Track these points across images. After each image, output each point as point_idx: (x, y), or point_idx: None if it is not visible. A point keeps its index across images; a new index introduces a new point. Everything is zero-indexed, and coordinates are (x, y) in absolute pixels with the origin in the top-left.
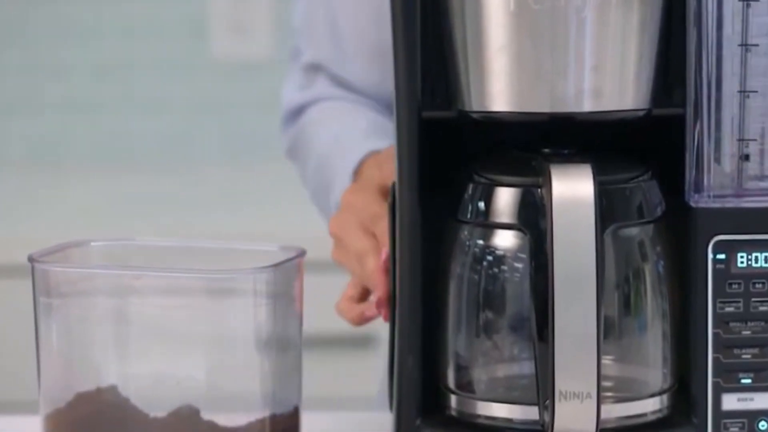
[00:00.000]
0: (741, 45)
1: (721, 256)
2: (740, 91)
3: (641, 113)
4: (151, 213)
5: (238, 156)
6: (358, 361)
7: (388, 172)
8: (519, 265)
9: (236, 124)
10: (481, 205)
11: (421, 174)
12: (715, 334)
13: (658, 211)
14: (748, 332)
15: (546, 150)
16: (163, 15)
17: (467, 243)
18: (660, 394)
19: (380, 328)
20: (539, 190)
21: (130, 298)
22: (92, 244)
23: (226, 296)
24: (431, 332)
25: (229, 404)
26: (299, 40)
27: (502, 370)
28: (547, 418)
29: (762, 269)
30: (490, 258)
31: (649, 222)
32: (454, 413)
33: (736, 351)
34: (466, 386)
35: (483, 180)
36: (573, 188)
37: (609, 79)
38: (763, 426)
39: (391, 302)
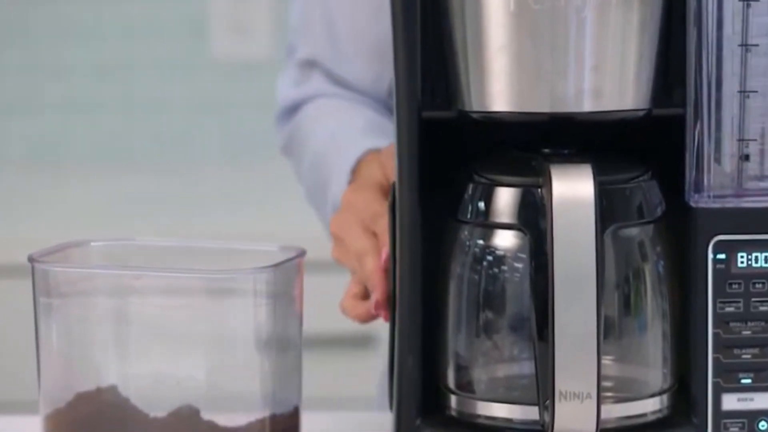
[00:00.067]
0: (741, 45)
1: (721, 256)
2: (740, 91)
3: (641, 113)
4: (151, 213)
5: (238, 156)
6: (358, 361)
7: (392, 170)
8: (519, 265)
9: (236, 124)
10: (481, 205)
11: (421, 174)
12: (715, 334)
13: (658, 211)
14: (748, 332)
15: (546, 150)
16: (163, 15)
17: (467, 243)
18: (660, 394)
19: (380, 328)
20: (539, 190)
21: (130, 298)
22: (92, 244)
23: (226, 296)
24: (431, 332)
25: (229, 404)
26: (295, 38)
27: (502, 370)
28: (547, 418)
29: (762, 269)
30: (490, 258)
31: (649, 222)
32: (454, 413)
33: (736, 351)
34: (466, 386)
35: (483, 180)
36: (573, 188)
37: (609, 79)
38: (763, 426)
39: (391, 302)
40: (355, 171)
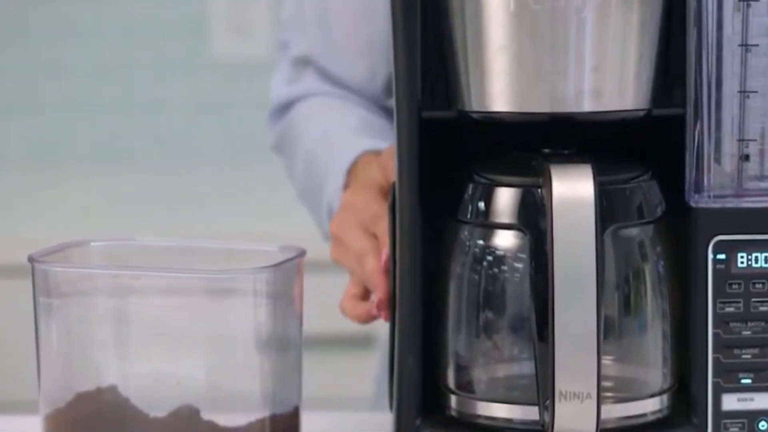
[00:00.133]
0: (741, 45)
1: (722, 256)
2: (740, 91)
3: (641, 113)
4: (151, 213)
5: (238, 156)
6: (358, 361)
7: (392, 171)
8: (519, 265)
9: (236, 124)
10: (481, 205)
11: (421, 174)
12: (715, 334)
13: (658, 211)
14: (748, 332)
15: (546, 150)
16: (163, 15)
17: (467, 243)
18: (660, 394)
19: (380, 328)
20: (539, 190)
21: (130, 298)
22: (92, 244)
23: (226, 296)
24: (431, 332)
25: (229, 404)
26: (288, 34)
27: (502, 370)
28: (547, 418)
29: (762, 269)
30: (490, 258)
31: (649, 222)
32: (454, 413)
33: (736, 351)
34: (466, 386)
35: (483, 180)
36: (573, 188)
37: (609, 80)
38: (763, 426)
39: (391, 302)
40: (351, 172)
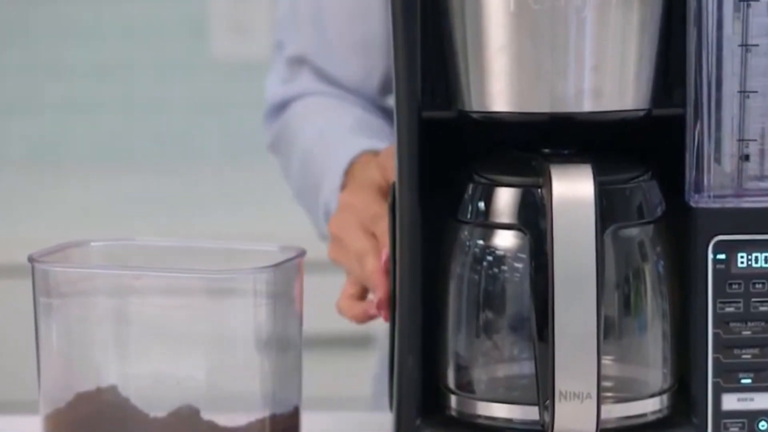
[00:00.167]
0: (741, 45)
1: (722, 256)
2: (740, 92)
3: (641, 113)
4: (151, 213)
5: (238, 156)
6: (358, 361)
7: (391, 171)
8: (519, 265)
9: (236, 124)
10: (481, 205)
11: (421, 174)
12: (715, 334)
13: (658, 211)
14: (748, 332)
15: (546, 150)
16: (163, 15)
17: (467, 243)
18: (660, 394)
19: (379, 327)
20: (539, 190)
21: (130, 298)
22: (92, 244)
23: (226, 296)
24: (431, 332)
25: (229, 404)
26: (282, 33)
27: (502, 370)
28: (547, 418)
29: (762, 269)
30: (490, 258)
31: (649, 222)
32: (454, 413)
33: (736, 351)
34: (466, 386)
35: (483, 180)
36: (573, 188)
37: (609, 79)
38: (763, 426)
39: (391, 302)
40: (348, 172)
